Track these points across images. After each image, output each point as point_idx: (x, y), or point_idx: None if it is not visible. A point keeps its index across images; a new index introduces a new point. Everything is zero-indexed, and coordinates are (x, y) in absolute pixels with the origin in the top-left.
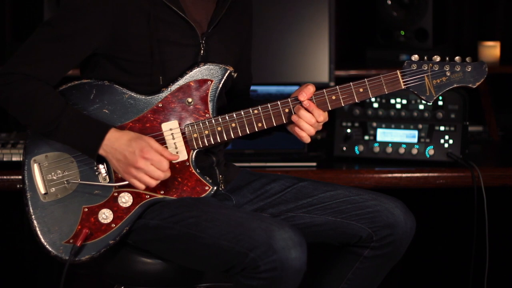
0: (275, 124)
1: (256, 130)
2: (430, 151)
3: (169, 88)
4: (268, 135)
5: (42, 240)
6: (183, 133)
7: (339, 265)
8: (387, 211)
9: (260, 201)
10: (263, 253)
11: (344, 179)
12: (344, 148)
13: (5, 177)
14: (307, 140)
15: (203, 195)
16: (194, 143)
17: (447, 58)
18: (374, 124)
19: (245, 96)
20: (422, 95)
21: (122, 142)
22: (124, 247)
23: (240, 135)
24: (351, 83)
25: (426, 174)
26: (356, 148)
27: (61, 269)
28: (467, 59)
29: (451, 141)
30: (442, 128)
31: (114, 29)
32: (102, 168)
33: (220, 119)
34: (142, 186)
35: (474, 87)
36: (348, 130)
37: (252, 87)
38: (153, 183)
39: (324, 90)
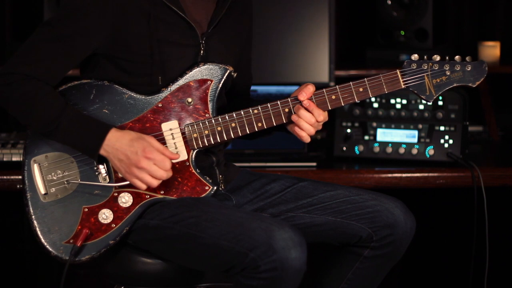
0: (275, 124)
1: (256, 130)
2: (430, 151)
3: (169, 88)
4: (268, 135)
5: (42, 240)
6: (183, 133)
7: (339, 265)
8: (387, 211)
9: (260, 201)
10: (263, 253)
11: (344, 179)
12: (344, 148)
13: (5, 177)
14: (307, 139)
15: (203, 195)
16: (194, 143)
17: (447, 58)
18: (374, 124)
19: (245, 96)
20: (422, 95)
21: (123, 142)
22: (124, 247)
23: (240, 135)
24: (351, 83)
25: (426, 174)
26: (356, 148)
27: (61, 269)
28: (467, 58)
29: (451, 141)
30: (442, 128)
31: (114, 29)
32: (102, 168)
33: (220, 119)
34: (144, 186)
35: (474, 86)
36: (348, 130)
37: (252, 87)
38: (155, 183)
39: (324, 90)
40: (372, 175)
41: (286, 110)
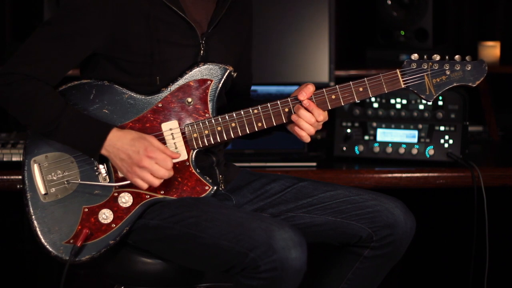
0: (275, 124)
1: (256, 129)
2: (430, 151)
3: (169, 88)
4: (268, 135)
5: (42, 240)
6: (183, 133)
7: (339, 265)
8: (387, 211)
9: (260, 201)
10: (263, 253)
11: (344, 179)
12: (344, 148)
13: (5, 177)
14: (307, 139)
15: (203, 195)
16: (194, 143)
17: (447, 57)
18: (374, 124)
19: (245, 96)
20: (422, 94)
21: (125, 142)
22: (124, 247)
23: (240, 134)
24: (350, 82)
25: (426, 174)
26: (356, 148)
27: (61, 269)
28: (467, 58)
29: (451, 141)
30: (442, 128)
31: (113, 29)
32: (102, 168)
33: (220, 119)
34: (145, 186)
35: (474, 86)
36: (348, 130)
37: (252, 87)
38: (156, 182)
39: (324, 90)
40: (372, 175)
41: (286, 110)
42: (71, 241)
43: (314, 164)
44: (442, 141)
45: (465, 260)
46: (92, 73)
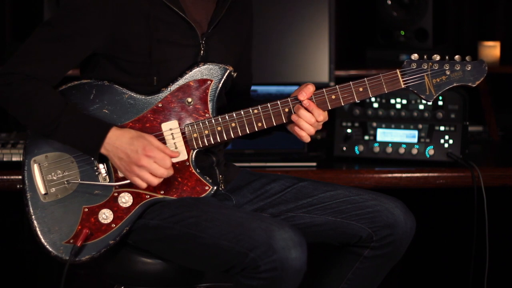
0: (275, 124)
1: (256, 129)
2: (430, 151)
3: (169, 88)
4: (268, 135)
5: (42, 240)
6: (183, 133)
7: (339, 265)
8: (387, 211)
9: (260, 201)
10: (263, 253)
11: (344, 179)
12: (344, 148)
13: (5, 177)
14: (307, 139)
15: (203, 195)
16: (194, 143)
17: (447, 57)
18: (374, 124)
19: (245, 96)
20: (422, 94)
21: (124, 141)
22: (124, 247)
23: (240, 134)
24: (350, 83)
25: (426, 174)
26: (356, 148)
27: (61, 269)
28: (467, 58)
29: (451, 141)
30: (442, 128)
31: (113, 30)
32: (102, 168)
33: (220, 119)
34: (144, 185)
35: (474, 86)
36: (348, 130)
37: (252, 87)
38: (155, 181)
39: (324, 90)
40: (372, 175)
41: (286, 110)
42: (71, 241)
43: (314, 164)
44: (442, 141)
45: (465, 260)
46: (92, 73)
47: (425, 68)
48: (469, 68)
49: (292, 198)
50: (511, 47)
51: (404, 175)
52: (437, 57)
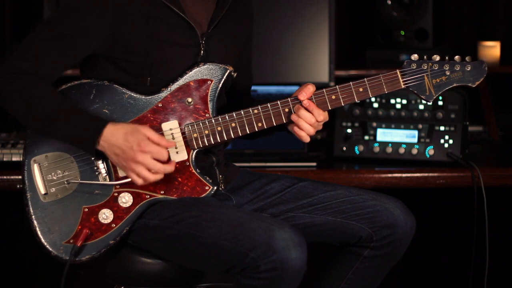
0: (275, 124)
1: (256, 129)
2: (430, 151)
3: (169, 88)
4: (269, 135)
5: (42, 240)
6: (183, 133)
7: (339, 265)
8: (387, 211)
9: (260, 201)
10: (263, 253)
11: (344, 179)
12: (344, 148)
13: (5, 177)
14: (307, 139)
15: (203, 195)
16: (194, 143)
17: (447, 58)
18: (374, 124)
19: (246, 96)
20: (421, 95)
21: (118, 137)
22: (124, 247)
23: (240, 135)
24: (350, 83)
25: (426, 174)
26: (356, 148)
27: (61, 269)
28: (467, 58)
29: (451, 141)
30: (442, 128)
31: (113, 30)
32: (102, 168)
33: (220, 119)
34: (141, 181)
35: (474, 86)
36: (348, 130)
37: (252, 87)
38: (151, 177)
39: (324, 90)
40: (372, 175)
41: (286, 110)
42: (71, 241)
43: (314, 164)
44: (442, 141)
45: (465, 260)
46: (92, 73)
47: (425, 68)
48: (469, 69)
49: (292, 198)
50: (511, 47)
51: (404, 175)
52: (437, 58)
